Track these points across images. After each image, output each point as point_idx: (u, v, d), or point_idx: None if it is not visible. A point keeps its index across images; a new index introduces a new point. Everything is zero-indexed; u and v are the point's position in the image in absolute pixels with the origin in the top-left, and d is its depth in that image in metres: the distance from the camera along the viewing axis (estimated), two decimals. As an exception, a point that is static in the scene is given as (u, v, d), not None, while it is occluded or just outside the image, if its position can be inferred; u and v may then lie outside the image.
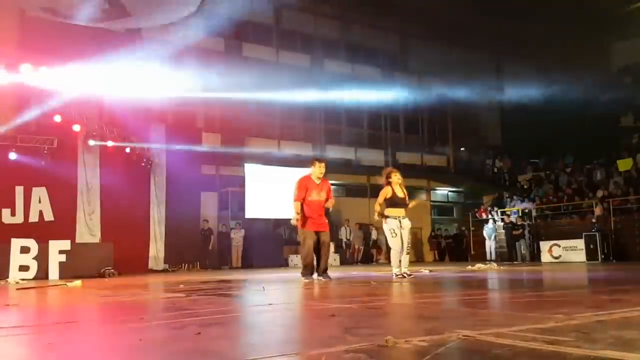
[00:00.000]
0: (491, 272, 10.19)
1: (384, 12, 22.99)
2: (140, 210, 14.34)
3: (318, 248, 7.64)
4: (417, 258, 23.27)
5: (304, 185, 7.64)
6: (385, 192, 7.81)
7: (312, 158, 8.10)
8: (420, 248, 23.78)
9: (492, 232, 19.52)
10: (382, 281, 7.34)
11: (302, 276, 7.65)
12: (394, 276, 7.65)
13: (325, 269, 7.69)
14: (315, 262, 7.71)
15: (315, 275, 7.62)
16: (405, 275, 7.64)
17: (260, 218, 18.92)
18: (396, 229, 7.68)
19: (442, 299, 4.90)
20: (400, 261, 7.76)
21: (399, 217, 7.76)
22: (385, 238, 8.18)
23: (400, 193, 7.88)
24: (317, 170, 7.70)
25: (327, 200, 7.82)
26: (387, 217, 7.77)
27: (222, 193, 19.34)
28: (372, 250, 21.30)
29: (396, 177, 7.89)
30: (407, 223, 7.84)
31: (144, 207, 14.69)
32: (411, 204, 8.15)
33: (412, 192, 24.22)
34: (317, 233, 7.61)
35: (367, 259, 20.78)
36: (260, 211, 18.65)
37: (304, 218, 7.60)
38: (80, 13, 14.16)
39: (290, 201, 7.80)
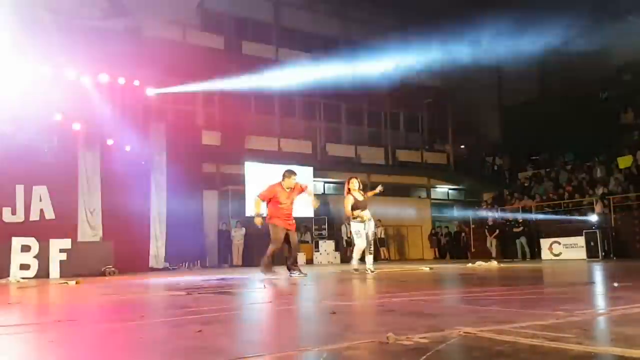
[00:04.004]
0: (491, 269, 10.19)
1: (383, 9, 22.95)
2: (141, 209, 14.31)
3: (288, 246, 8.18)
4: (417, 256, 23.27)
5: (273, 190, 8.23)
6: (349, 201, 8.61)
7: (285, 171, 8.53)
8: (420, 246, 23.78)
9: (491, 229, 19.48)
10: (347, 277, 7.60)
11: (264, 272, 7.83)
12: (353, 271, 8.44)
13: (295, 263, 8.22)
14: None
15: (281, 272, 7.95)
16: (370, 271, 8.33)
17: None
18: (361, 230, 8.57)
19: (443, 296, 4.91)
20: (359, 259, 8.62)
21: (364, 219, 8.58)
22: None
23: (360, 197, 8.70)
24: (288, 182, 8.27)
25: (300, 192, 8.35)
26: (355, 217, 8.61)
27: (222, 191, 19.32)
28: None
29: (354, 185, 8.70)
30: (371, 225, 8.71)
31: (145, 205, 14.68)
32: (370, 193, 9.12)
33: (415, 189, 24.53)
34: (287, 231, 8.14)
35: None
36: (260, 209, 18.60)
37: (275, 216, 8.10)
38: (77, 11, 14.14)
39: (254, 196, 8.47)
